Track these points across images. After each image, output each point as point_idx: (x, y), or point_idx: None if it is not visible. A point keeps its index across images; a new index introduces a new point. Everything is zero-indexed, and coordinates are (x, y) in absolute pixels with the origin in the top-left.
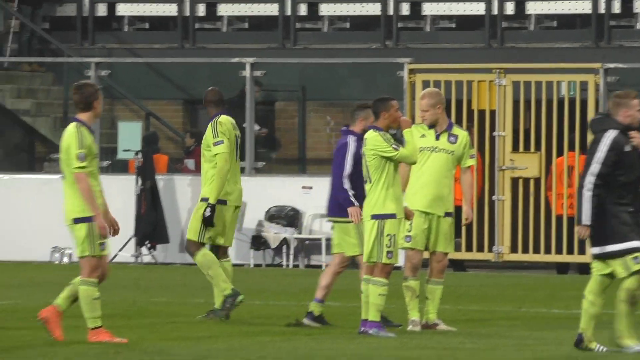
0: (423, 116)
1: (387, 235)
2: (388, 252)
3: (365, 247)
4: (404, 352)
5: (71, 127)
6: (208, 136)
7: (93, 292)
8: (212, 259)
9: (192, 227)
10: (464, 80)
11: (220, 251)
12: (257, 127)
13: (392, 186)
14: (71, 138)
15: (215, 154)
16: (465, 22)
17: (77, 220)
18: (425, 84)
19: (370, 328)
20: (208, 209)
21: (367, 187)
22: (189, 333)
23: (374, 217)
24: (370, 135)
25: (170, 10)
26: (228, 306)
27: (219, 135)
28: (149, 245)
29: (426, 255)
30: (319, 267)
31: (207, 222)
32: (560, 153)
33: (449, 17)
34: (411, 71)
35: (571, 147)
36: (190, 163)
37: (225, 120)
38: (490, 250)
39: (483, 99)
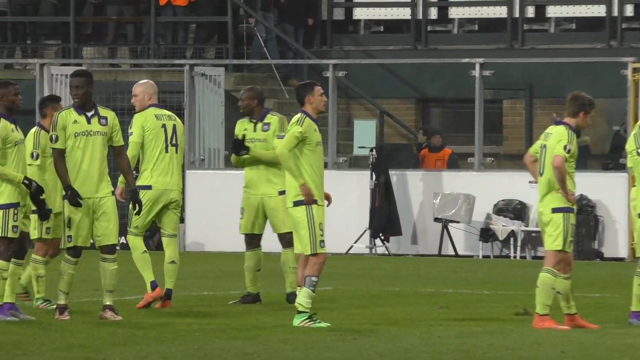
0: None
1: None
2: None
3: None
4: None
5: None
6: None
7: (552, 281)
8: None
9: None
10: None
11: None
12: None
13: None
14: (564, 134)
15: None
16: None
17: (556, 210)
18: None
19: (632, 318)
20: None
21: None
22: (419, 320)
23: None
24: None
25: (404, 13)
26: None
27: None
28: (382, 237)
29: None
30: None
31: None
32: None
33: None
34: (635, 70)
35: None
36: None
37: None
38: None
39: None
